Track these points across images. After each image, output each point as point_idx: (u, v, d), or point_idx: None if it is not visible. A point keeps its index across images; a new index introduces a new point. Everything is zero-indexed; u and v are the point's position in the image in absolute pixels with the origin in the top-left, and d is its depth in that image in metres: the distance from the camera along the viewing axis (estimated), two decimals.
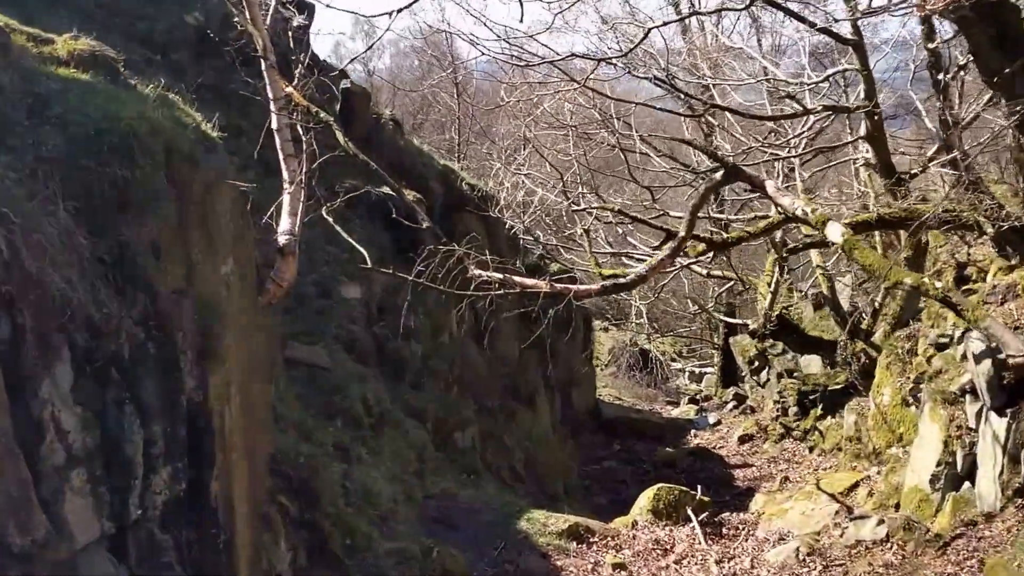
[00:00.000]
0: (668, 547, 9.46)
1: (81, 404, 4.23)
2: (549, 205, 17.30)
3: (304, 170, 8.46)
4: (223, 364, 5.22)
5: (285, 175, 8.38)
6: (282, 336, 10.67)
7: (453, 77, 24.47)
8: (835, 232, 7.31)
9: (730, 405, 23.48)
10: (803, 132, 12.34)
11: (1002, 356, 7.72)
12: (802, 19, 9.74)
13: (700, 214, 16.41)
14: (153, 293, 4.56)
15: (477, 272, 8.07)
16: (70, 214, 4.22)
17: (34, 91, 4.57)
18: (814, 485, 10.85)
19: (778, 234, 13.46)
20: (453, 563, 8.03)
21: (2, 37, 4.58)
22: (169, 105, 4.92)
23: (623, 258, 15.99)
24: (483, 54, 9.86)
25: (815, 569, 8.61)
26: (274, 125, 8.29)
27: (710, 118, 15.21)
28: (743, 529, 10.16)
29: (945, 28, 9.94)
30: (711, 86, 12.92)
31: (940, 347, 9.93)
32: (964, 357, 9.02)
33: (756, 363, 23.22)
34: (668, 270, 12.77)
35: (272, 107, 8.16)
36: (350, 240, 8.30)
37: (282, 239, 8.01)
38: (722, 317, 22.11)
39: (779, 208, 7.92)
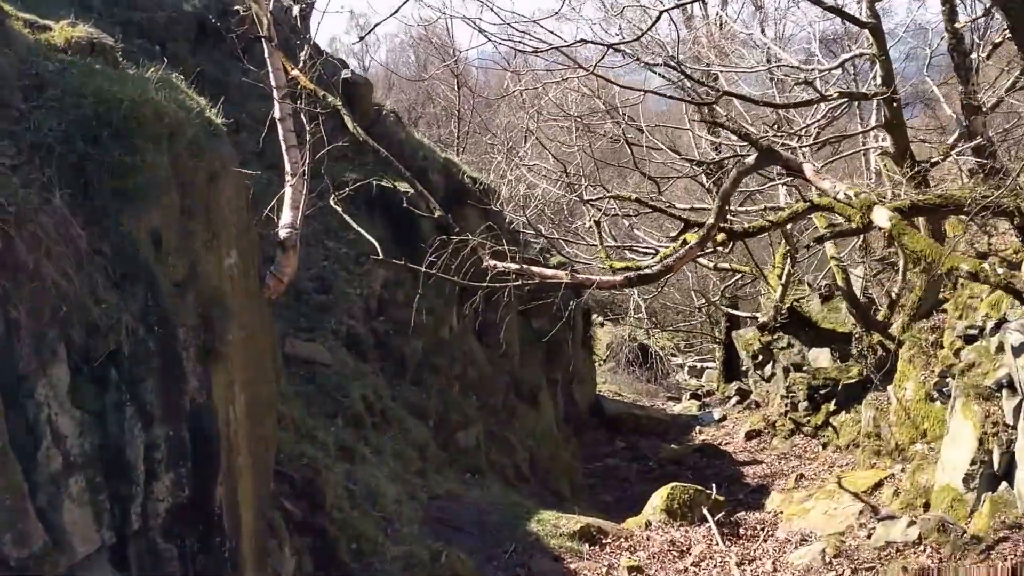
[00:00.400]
0: (684, 549, 9.14)
1: (79, 406, 3.96)
2: (550, 199, 17.05)
3: (307, 161, 8.20)
4: (227, 362, 4.95)
5: (287, 166, 8.11)
6: (281, 332, 10.39)
7: (453, 68, 24.15)
8: (882, 217, 6.95)
9: (733, 400, 23.25)
10: (816, 121, 12.06)
11: None
12: (817, 1, 9.46)
13: (702, 205, 16.28)
14: (154, 287, 4.28)
15: (492, 263, 7.77)
16: (67, 202, 3.94)
17: (30, 72, 4.28)
18: (835, 484, 10.47)
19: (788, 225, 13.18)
20: (462, 568, 7.76)
21: None
22: (172, 88, 4.63)
23: (627, 251, 15.74)
24: (488, 40, 9.53)
25: (843, 572, 8.25)
26: (276, 114, 8.00)
27: (719, 108, 14.95)
28: (761, 529, 9.82)
29: (968, 7, 9.65)
30: (719, 75, 12.65)
31: (969, 339, 9.62)
32: (1000, 349, 8.71)
33: (760, 357, 22.96)
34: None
35: (275, 95, 7.87)
36: (360, 231, 7.99)
37: (283, 232, 7.75)
38: (730, 310, 21.83)
39: (819, 192, 7.59)
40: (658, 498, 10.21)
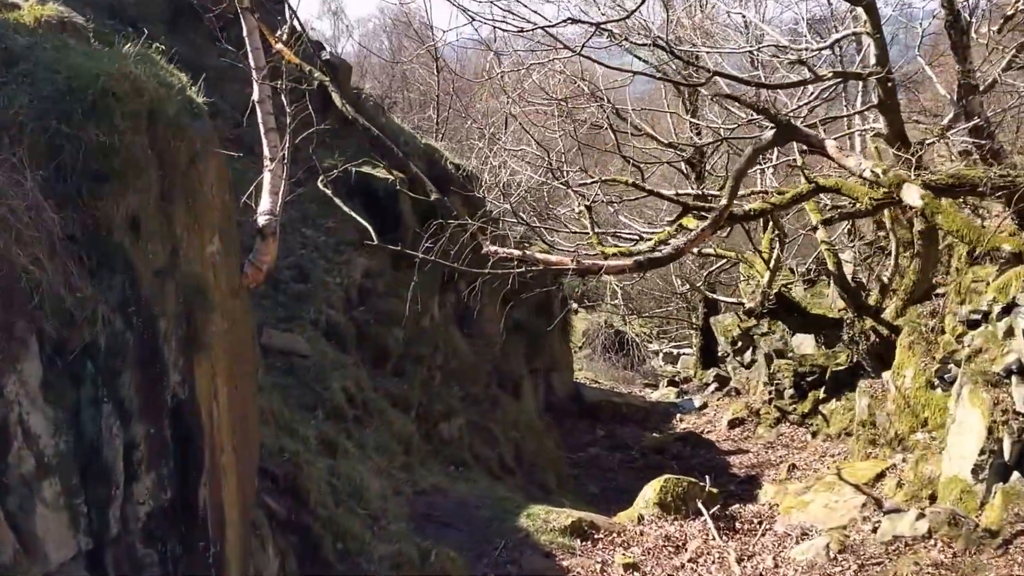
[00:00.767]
0: (680, 544, 8.92)
1: (52, 403, 3.66)
2: (533, 186, 16.80)
3: (287, 145, 7.89)
4: (210, 354, 4.67)
5: (266, 151, 7.80)
6: (257, 323, 10.08)
7: (432, 50, 23.75)
8: (913, 195, 6.72)
9: (712, 387, 23.16)
10: (808, 102, 11.88)
11: None
12: None
13: (685, 191, 16.11)
14: (133, 275, 3.99)
15: (493, 248, 7.52)
16: (39, 185, 3.63)
17: None
18: (835, 475, 10.23)
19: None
20: (452, 566, 7.53)
21: None
22: (151, 63, 4.31)
23: (609, 238, 15.52)
24: (470, 21, 9.22)
25: (849, 569, 7.98)
26: (255, 96, 7.68)
27: (704, 90, 14.72)
28: (759, 523, 9.59)
29: None
30: (700, 56, 12.43)
31: (972, 324, 9.46)
32: (1008, 334, 8.52)
33: (739, 343, 22.88)
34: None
35: (254, 75, 7.55)
36: (353, 214, 7.68)
37: (262, 220, 7.45)
38: (716, 296, 21.70)
39: (845, 169, 7.37)
40: (651, 491, 9.95)
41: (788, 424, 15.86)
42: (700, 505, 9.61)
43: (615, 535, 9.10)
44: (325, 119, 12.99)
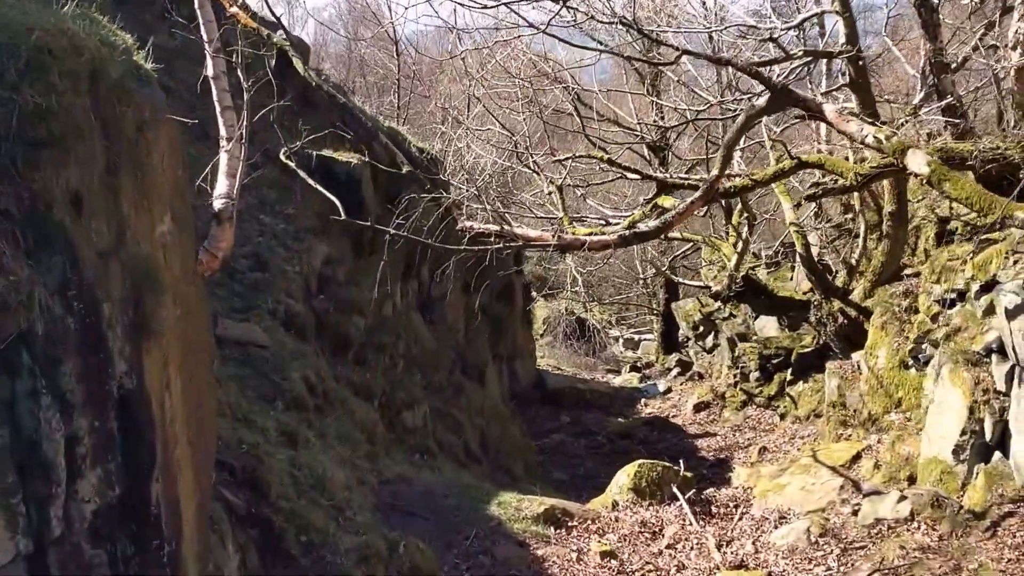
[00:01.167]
0: (656, 530, 8.76)
1: None
2: (497, 170, 16.54)
3: (244, 124, 7.54)
4: (161, 342, 4.35)
5: (222, 130, 7.44)
6: (212, 312, 9.71)
7: (391, 33, 23.32)
8: (919, 162, 6.51)
9: (674, 371, 23.24)
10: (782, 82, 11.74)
11: None
12: None
13: (652, 171, 15.94)
14: (74, 255, 3.66)
15: (469, 224, 7.23)
16: None
17: None
18: (810, 457, 10.11)
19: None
20: (422, 558, 7.27)
21: None
22: (92, 20, 3.95)
23: (576, 223, 15.31)
24: None
25: (832, 553, 7.83)
26: (209, 71, 7.30)
27: (670, 73, 14.59)
28: (735, 507, 9.46)
29: None
30: (668, 36, 12.26)
31: (947, 304, 9.41)
32: (988, 312, 8.45)
33: (701, 328, 22.99)
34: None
35: (207, 49, 7.17)
36: (318, 188, 7.35)
37: (218, 203, 7.10)
38: (682, 280, 21.67)
39: (846, 135, 7.16)
40: (624, 476, 9.78)
41: (755, 407, 15.87)
42: (675, 490, 9.47)
43: (589, 522, 8.92)
44: (284, 98, 12.60)
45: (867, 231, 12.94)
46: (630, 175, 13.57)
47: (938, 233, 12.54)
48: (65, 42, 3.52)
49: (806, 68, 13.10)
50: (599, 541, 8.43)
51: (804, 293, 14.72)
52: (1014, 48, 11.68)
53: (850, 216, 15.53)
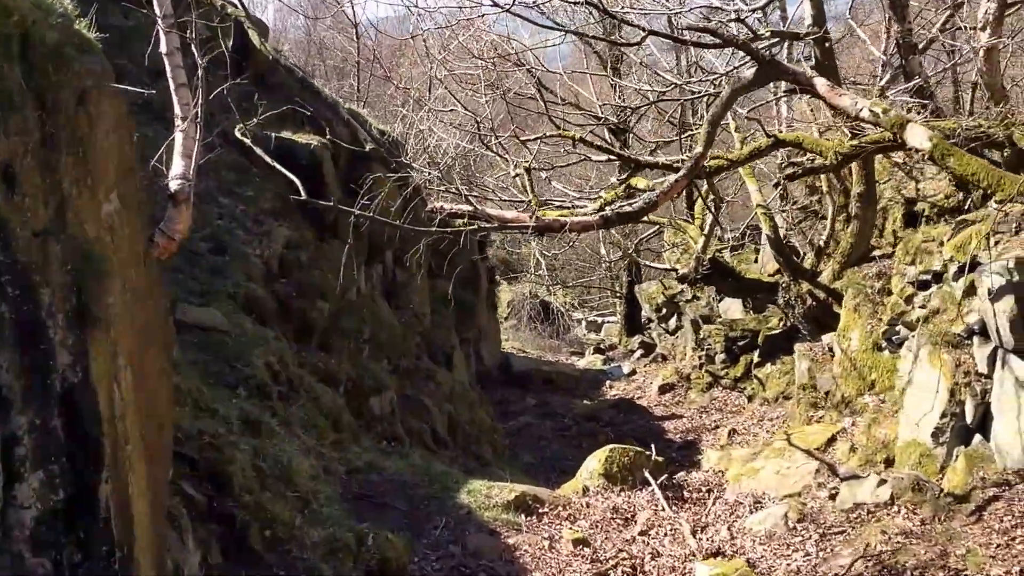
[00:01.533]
0: (629, 516, 8.56)
1: None
2: (460, 153, 16.24)
3: (200, 101, 7.18)
4: (109, 330, 4.03)
5: (177, 108, 7.08)
6: (172, 298, 9.34)
7: (352, 16, 22.82)
8: (920, 136, 6.27)
9: (638, 353, 23.25)
10: (738, 66, 11.58)
11: None
12: None
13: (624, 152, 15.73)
14: (7, 236, 3.34)
15: (439, 205, 6.93)
16: None
17: None
18: (784, 440, 9.95)
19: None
20: (392, 550, 7.02)
21: None
22: None
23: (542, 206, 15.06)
24: None
25: (810, 538, 7.65)
26: (163, 48, 6.92)
27: (632, 55, 14.34)
28: (708, 492, 9.29)
29: None
30: (632, 17, 12.03)
31: (922, 285, 9.31)
32: (968, 294, 8.35)
33: (664, 310, 23.00)
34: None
35: (160, 25, 6.79)
36: (278, 167, 7.02)
37: (174, 185, 6.77)
38: (649, 263, 21.59)
39: (842, 112, 6.94)
40: (595, 461, 9.59)
41: (721, 388, 15.83)
42: (647, 475, 9.30)
43: (560, 508, 8.73)
44: (242, 79, 12.17)
45: (835, 213, 12.87)
46: (602, 156, 13.32)
47: (905, 215, 12.52)
48: None
49: (768, 52, 12.99)
50: (571, 528, 8.24)
51: (770, 275, 14.67)
52: (983, 29, 11.64)
53: (816, 198, 15.49)
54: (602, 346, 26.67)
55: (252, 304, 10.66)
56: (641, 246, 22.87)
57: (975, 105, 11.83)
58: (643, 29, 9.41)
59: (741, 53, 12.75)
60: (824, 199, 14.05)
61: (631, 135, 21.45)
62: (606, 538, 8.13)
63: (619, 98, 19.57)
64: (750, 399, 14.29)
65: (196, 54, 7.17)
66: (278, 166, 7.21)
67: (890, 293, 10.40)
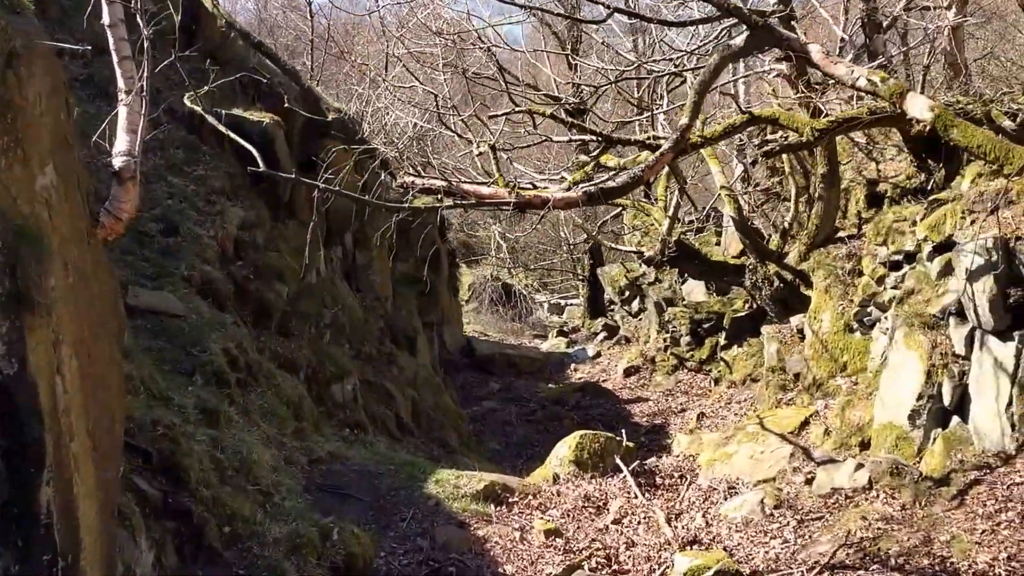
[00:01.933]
0: (601, 504, 8.31)
1: None
2: (419, 133, 15.86)
3: (145, 74, 6.75)
4: (49, 316, 3.66)
5: (120, 82, 6.65)
6: (122, 280, 8.88)
7: None
8: (920, 106, 6.02)
9: (601, 336, 23.15)
10: (706, 42, 11.36)
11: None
12: None
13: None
14: None
15: (411, 179, 6.57)
16: None
17: None
18: (757, 424, 9.73)
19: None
20: (357, 544, 6.70)
21: None
22: None
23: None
24: None
25: (788, 525, 7.44)
26: (106, 19, 6.49)
27: (593, 35, 14.07)
28: (680, 477, 9.09)
29: None
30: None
31: (894, 266, 9.16)
32: (943, 274, 8.22)
33: (627, 293, 22.91)
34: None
35: None
36: (234, 136, 6.64)
37: (118, 161, 6.36)
38: (614, 245, 21.44)
39: (833, 79, 6.69)
40: (565, 448, 9.32)
41: (686, 371, 15.72)
42: (618, 461, 9.07)
43: (531, 497, 8.46)
44: (190, 56, 11.62)
45: (797, 194, 12.76)
46: (562, 136, 13.04)
47: (868, 195, 12.45)
48: None
49: (728, 33, 12.84)
50: (542, 518, 7.98)
51: (735, 257, 14.55)
52: (949, 8, 11.56)
53: (777, 180, 15.39)
54: (565, 329, 26.56)
55: (208, 287, 10.23)
56: (604, 228, 22.73)
57: (926, 85, 11.78)
58: (606, 6, 9.11)
59: (703, 32, 12.61)
60: (786, 180, 13.94)
61: (588, 116, 21.24)
62: (578, 527, 7.89)
63: (579, 77, 19.34)
64: (717, 381, 14.17)
65: (141, 25, 6.75)
66: (232, 134, 6.77)
67: (861, 274, 10.28)
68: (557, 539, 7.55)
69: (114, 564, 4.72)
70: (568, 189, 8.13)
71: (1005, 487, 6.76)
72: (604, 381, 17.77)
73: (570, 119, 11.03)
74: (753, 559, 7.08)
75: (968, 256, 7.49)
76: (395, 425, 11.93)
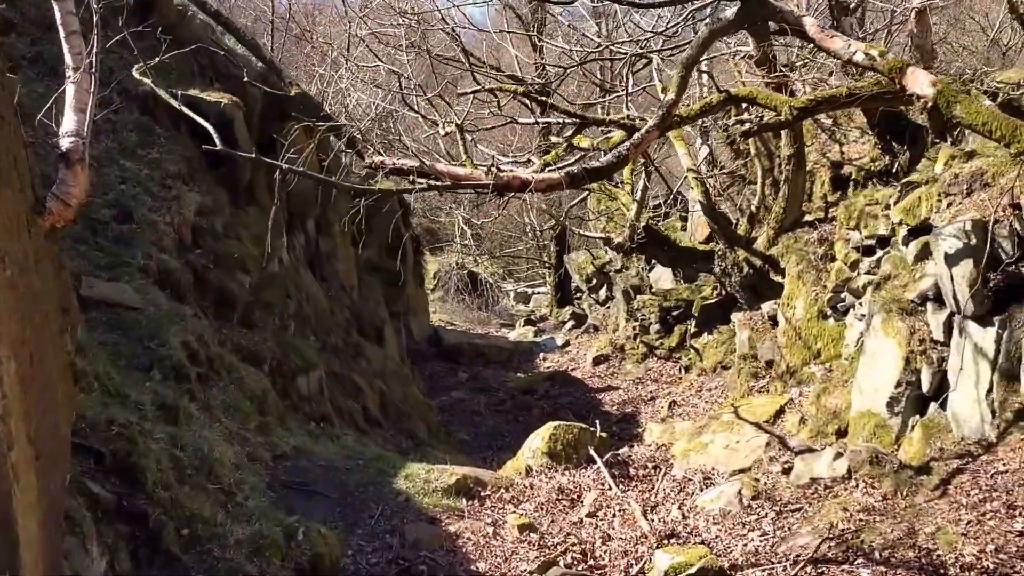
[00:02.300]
0: (575, 496, 8.10)
1: None
2: (382, 113, 15.51)
3: (96, 50, 6.38)
4: None
5: (68, 59, 6.27)
6: (74, 271, 8.47)
7: None
8: (921, 81, 5.78)
9: (569, 324, 23.02)
10: (675, 23, 11.15)
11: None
12: None
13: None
14: None
15: (380, 159, 6.24)
16: None
17: None
18: (731, 413, 9.58)
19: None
20: (323, 544, 6.42)
21: None
22: None
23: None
24: None
25: (766, 516, 7.26)
26: None
27: (560, 17, 13.79)
28: (654, 468, 8.90)
29: None
30: None
31: (867, 251, 9.01)
32: (919, 258, 8.06)
33: (594, 281, 22.78)
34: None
35: None
36: (187, 111, 6.30)
37: (65, 143, 6.00)
38: (583, 232, 21.30)
39: (829, 53, 6.47)
40: (538, 440, 9.09)
41: (656, 359, 15.60)
42: (592, 452, 8.87)
43: (503, 491, 8.23)
44: (145, 35, 11.15)
45: (763, 177, 12.64)
46: (527, 119, 12.80)
47: (833, 178, 12.37)
48: None
49: (692, 16, 12.66)
50: (515, 512, 7.75)
51: (702, 243, 14.42)
52: None
53: (742, 163, 15.28)
54: (532, 317, 26.41)
55: (165, 277, 9.82)
56: (571, 214, 22.58)
57: None
58: None
59: (668, 15, 12.41)
60: (751, 163, 13.83)
61: (553, 99, 20.99)
62: (552, 521, 7.67)
63: (544, 60, 19.12)
64: (687, 369, 14.04)
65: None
66: (187, 111, 6.43)
67: (833, 259, 10.17)
68: (531, 534, 7.33)
69: (59, 571, 4.41)
70: (542, 170, 7.87)
71: (989, 476, 6.63)
72: (573, 370, 17.61)
73: (543, 98, 10.70)
74: (732, 552, 6.91)
75: (946, 240, 7.34)
76: (363, 418, 11.62)
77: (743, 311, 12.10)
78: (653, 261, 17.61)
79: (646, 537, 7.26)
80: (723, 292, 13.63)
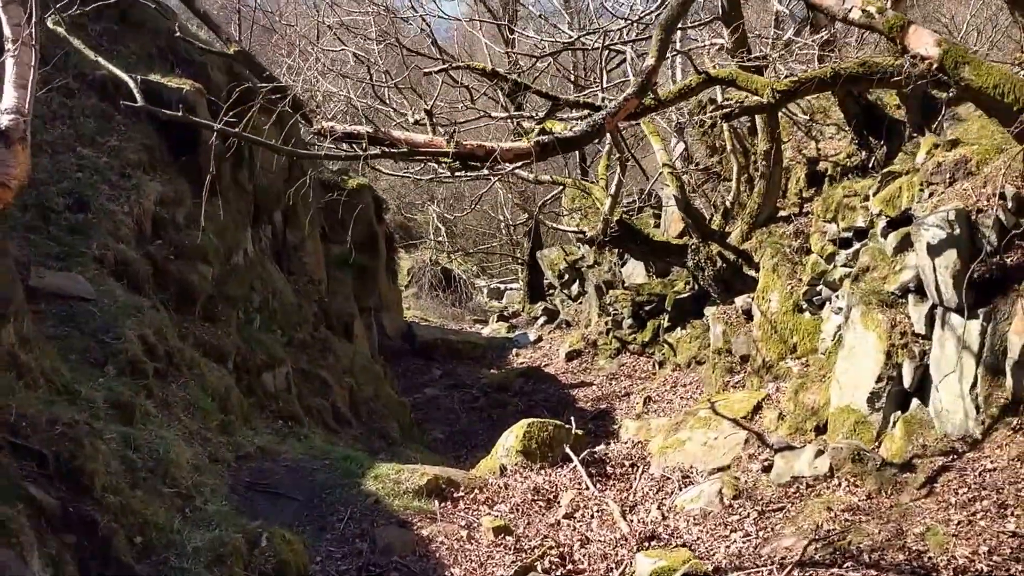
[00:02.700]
0: (551, 496, 7.75)
1: None
2: (354, 105, 15.12)
3: (36, 19, 5.98)
4: None
5: (7, 30, 5.87)
6: (24, 260, 8.03)
7: None
8: (925, 41, 5.40)
9: (541, 320, 22.83)
10: (650, 12, 10.90)
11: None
12: None
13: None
14: None
15: (330, 125, 5.84)
16: None
17: None
18: (708, 409, 9.26)
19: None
20: (289, 550, 6.04)
21: None
22: None
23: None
24: None
25: (748, 516, 6.97)
26: None
27: (531, 8, 13.44)
28: (632, 466, 8.61)
29: None
30: None
31: (843, 243, 8.75)
32: (899, 250, 7.77)
33: (567, 276, 22.59)
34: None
35: None
36: (111, 68, 5.89)
37: (5, 120, 5.65)
38: (556, 226, 21.04)
39: (825, 13, 6.10)
40: (512, 438, 8.74)
41: (629, 354, 15.38)
42: (568, 450, 8.55)
43: (477, 491, 7.88)
44: (101, 11, 10.65)
45: (739, 173, 12.44)
46: (501, 112, 12.48)
47: (808, 174, 12.20)
48: None
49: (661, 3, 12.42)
50: (490, 514, 7.40)
51: (676, 238, 14.21)
52: None
53: (717, 159, 15.09)
54: (506, 313, 26.23)
55: (122, 268, 9.37)
56: (544, 209, 22.33)
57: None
58: None
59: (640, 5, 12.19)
60: (726, 159, 13.64)
61: (524, 94, 20.74)
62: (529, 523, 7.33)
63: (511, 55, 18.90)
64: (661, 364, 13.78)
65: None
66: (110, 67, 6.04)
67: (809, 252, 9.94)
68: (507, 537, 6.99)
69: None
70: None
71: (976, 473, 6.37)
72: (547, 366, 17.34)
73: (516, 79, 10.36)
74: (715, 554, 6.63)
75: (928, 230, 7.05)
76: (332, 416, 11.22)
77: (716, 305, 11.86)
78: (626, 256, 17.40)
79: (626, 539, 6.95)
80: (696, 286, 13.42)
